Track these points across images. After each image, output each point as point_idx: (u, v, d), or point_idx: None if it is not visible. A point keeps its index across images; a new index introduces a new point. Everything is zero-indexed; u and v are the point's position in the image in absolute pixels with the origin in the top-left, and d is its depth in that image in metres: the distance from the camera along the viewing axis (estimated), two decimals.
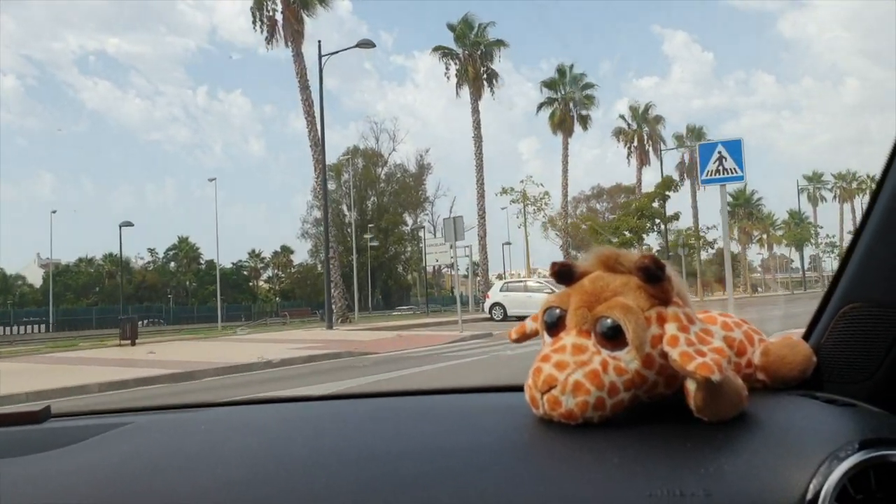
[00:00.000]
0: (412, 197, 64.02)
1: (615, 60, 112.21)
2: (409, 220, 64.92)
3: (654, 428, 0.93)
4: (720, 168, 12.17)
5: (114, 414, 1.35)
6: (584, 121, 49.04)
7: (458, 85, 43.97)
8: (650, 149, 54.81)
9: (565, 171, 48.54)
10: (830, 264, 69.00)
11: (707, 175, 12.16)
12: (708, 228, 52.11)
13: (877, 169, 0.99)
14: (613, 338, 0.93)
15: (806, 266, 76.90)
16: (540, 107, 49.43)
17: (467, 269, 48.83)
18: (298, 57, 31.98)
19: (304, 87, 31.83)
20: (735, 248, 59.64)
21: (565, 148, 48.76)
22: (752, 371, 1.10)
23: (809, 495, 0.76)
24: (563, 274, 1.03)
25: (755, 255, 74.46)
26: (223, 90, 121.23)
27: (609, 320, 0.93)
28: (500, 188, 39.26)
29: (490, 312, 27.91)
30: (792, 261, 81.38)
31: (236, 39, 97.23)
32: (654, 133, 55.13)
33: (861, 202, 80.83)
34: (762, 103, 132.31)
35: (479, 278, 43.50)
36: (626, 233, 37.26)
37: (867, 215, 0.98)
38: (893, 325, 0.95)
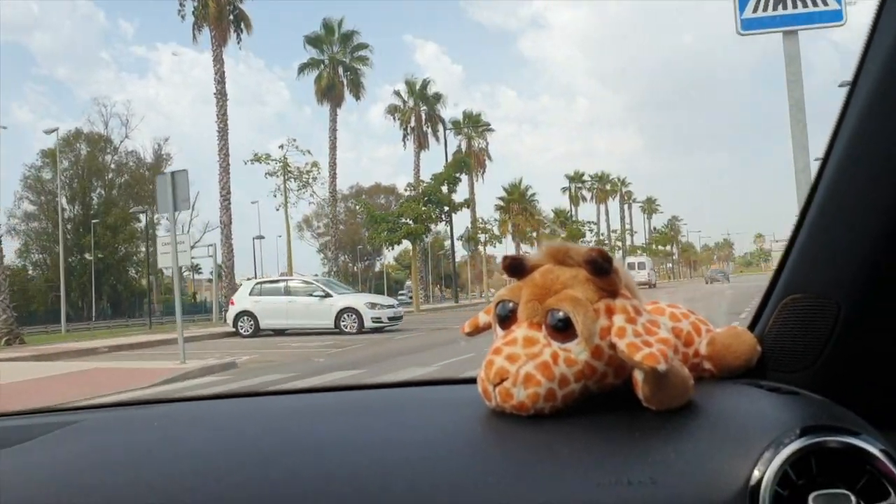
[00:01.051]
0: (148, 191, 52.00)
1: (371, 66, 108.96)
2: (144, 217, 52.85)
3: (603, 418, 0.95)
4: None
5: (61, 412, 1.31)
6: (357, 88, 41.06)
7: (197, 26, 33.62)
8: (429, 130, 47.75)
9: (333, 147, 40.23)
10: None
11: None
12: (485, 222, 46.02)
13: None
14: (563, 330, 0.95)
15: None
16: (303, 68, 40.57)
17: (212, 271, 38.87)
18: None
19: None
20: (509, 245, 55.87)
21: (333, 119, 40.47)
22: (699, 360, 1.12)
23: (753, 481, 0.79)
24: (515, 268, 1.05)
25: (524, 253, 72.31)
26: None
27: (559, 313, 0.95)
28: (252, 154, 28.53)
29: (236, 325, 19.81)
30: None
31: None
32: (434, 113, 47.98)
33: (617, 203, 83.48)
34: (506, 116, 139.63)
35: (223, 281, 33.38)
36: (410, 221, 29.83)
37: (805, 209, 0.99)
38: (832, 316, 0.97)
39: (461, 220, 47.55)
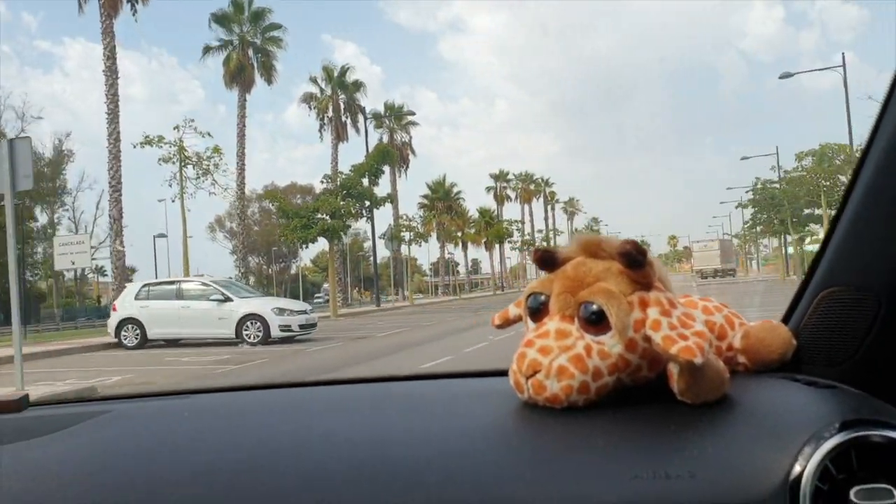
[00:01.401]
0: (47, 188, 46.65)
1: (288, 65, 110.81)
2: (44, 216, 47.55)
3: (638, 411, 0.94)
4: None
5: (94, 402, 1.33)
6: (269, 72, 37.51)
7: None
8: (348, 121, 44.23)
9: (242, 135, 36.58)
10: (533, 271, 67.85)
11: None
12: (409, 219, 42.77)
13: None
14: (597, 322, 0.95)
15: (469, 268, 75.35)
16: (208, 50, 36.79)
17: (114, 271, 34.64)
18: None
19: None
20: (435, 245, 53.42)
21: (242, 106, 36.88)
22: (733, 354, 1.11)
23: (793, 476, 0.78)
24: (546, 260, 1.04)
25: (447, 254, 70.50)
26: None
27: (593, 305, 0.95)
28: (143, 136, 24.08)
29: (118, 335, 16.89)
30: (457, 263, 79.41)
31: None
32: (354, 102, 44.48)
33: (541, 203, 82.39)
34: (426, 118, 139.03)
35: (114, 284, 29.29)
36: (326, 217, 26.77)
37: (844, 202, 0.99)
38: (870, 309, 0.97)
39: (383, 218, 44.72)
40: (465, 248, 64.22)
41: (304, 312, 17.04)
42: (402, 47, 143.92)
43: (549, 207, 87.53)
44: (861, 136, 25.33)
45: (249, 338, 16.11)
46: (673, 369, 0.93)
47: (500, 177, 74.36)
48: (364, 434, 0.99)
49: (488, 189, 73.91)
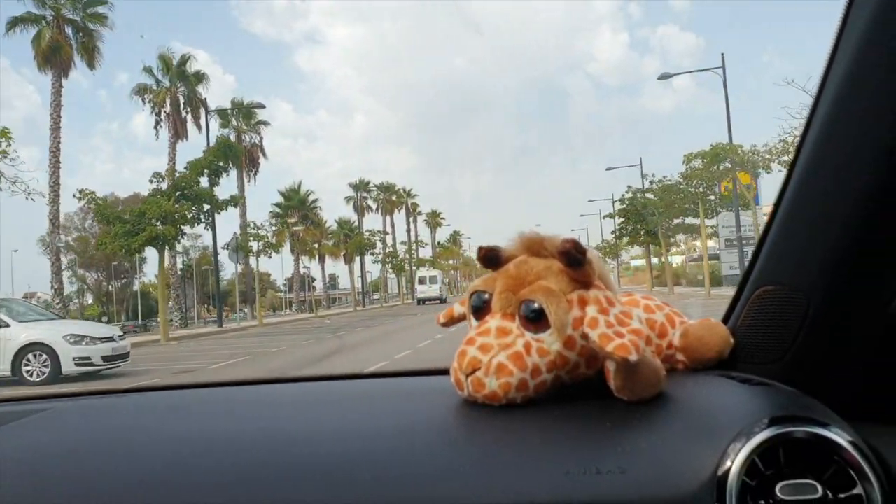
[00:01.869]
0: None
1: (135, 72, 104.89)
2: None
3: (575, 408, 0.96)
4: None
5: (32, 400, 1.33)
6: (91, 55, 32.02)
7: None
8: (188, 116, 38.84)
9: (57, 126, 31.06)
10: (403, 282, 64.98)
11: None
12: (258, 227, 37.17)
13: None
14: (536, 320, 0.96)
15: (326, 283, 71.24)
16: (15, 23, 30.89)
17: None
18: None
19: None
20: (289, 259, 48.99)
21: (57, 92, 31.28)
22: (672, 352, 1.13)
23: (721, 471, 0.80)
24: (490, 258, 1.05)
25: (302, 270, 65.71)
26: None
27: (533, 303, 0.96)
28: None
29: None
30: (314, 278, 75.43)
31: None
32: (195, 96, 39.12)
33: (403, 215, 79.90)
34: (282, 129, 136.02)
35: None
36: (157, 223, 22.39)
37: (779, 201, 1.01)
38: (803, 308, 0.98)
39: (229, 226, 39.72)
40: (322, 261, 59.72)
41: (111, 340, 13.13)
42: (258, 57, 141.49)
43: (411, 220, 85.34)
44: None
45: (31, 375, 12.25)
46: (610, 366, 0.95)
47: (361, 186, 70.82)
48: (300, 431, 1.00)
49: (348, 199, 70.01)
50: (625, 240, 44.33)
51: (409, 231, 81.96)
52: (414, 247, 70.19)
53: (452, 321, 1.14)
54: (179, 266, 44.65)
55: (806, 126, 0.94)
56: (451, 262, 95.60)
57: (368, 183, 70.96)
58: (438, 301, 52.09)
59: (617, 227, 44.28)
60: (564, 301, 0.95)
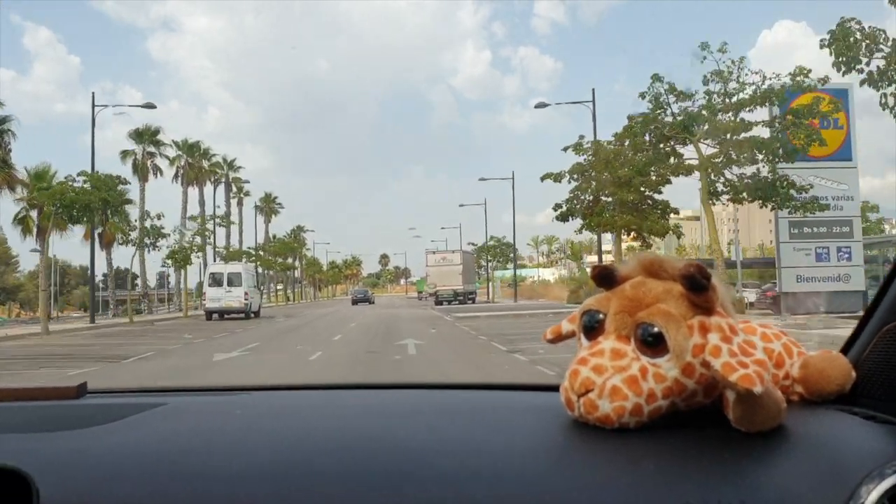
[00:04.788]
0: None
1: None
2: None
3: (691, 436, 0.93)
4: None
5: (149, 393, 1.38)
6: None
7: None
8: None
9: None
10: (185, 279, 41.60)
11: None
12: None
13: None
14: (654, 345, 0.94)
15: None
16: None
17: None
18: None
19: None
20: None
21: None
22: (790, 383, 1.10)
23: None
24: (604, 277, 1.04)
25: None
26: None
27: (652, 327, 0.94)
28: None
29: None
30: (136, 275, 53.20)
31: None
32: None
33: (221, 189, 58.25)
34: (129, 118, 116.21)
35: None
36: None
37: None
38: None
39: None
40: (41, 235, 36.36)
41: None
42: (107, 39, 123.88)
43: (235, 201, 63.65)
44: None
45: None
46: (730, 396, 0.92)
47: (146, 135, 48.36)
48: (409, 441, 0.99)
49: (124, 155, 47.87)
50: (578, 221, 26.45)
51: (226, 209, 59.55)
52: (212, 223, 45.92)
53: (560, 338, 1.10)
54: None
55: None
56: (288, 260, 74.14)
57: (158, 130, 48.69)
58: (243, 317, 31.37)
59: (570, 194, 26.28)
60: (685, 326, 0.93)
